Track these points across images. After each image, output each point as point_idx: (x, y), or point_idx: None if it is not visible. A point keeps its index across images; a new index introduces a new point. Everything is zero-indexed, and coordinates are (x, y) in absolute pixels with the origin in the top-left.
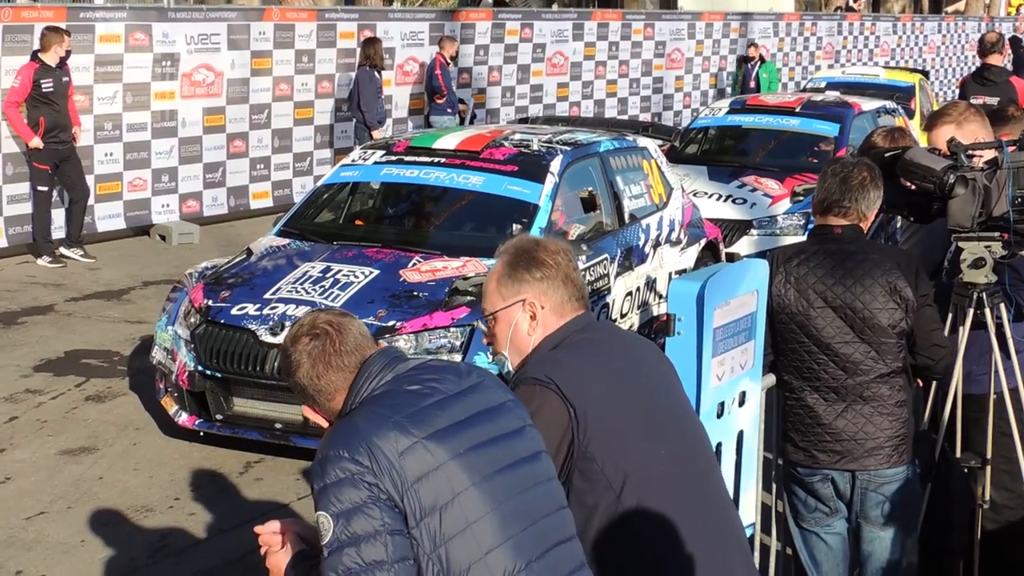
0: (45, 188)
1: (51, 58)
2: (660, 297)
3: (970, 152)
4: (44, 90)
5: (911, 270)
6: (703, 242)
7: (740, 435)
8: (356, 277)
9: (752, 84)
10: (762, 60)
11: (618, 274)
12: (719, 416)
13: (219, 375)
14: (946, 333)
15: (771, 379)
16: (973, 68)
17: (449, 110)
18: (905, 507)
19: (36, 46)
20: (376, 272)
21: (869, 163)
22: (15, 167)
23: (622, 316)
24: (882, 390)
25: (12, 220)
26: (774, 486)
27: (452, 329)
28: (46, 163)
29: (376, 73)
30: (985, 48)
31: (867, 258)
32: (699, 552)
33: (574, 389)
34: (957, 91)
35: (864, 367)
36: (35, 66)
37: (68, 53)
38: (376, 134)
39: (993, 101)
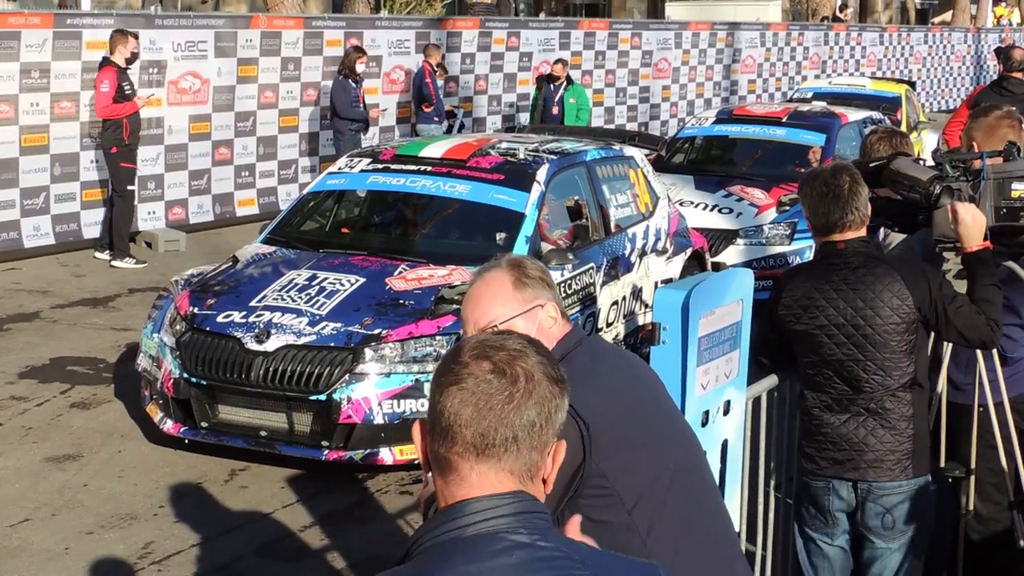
0: (133, 187)
1: (120, 60)
2: (646, 306)
3: (955, 162)
4: (127, 92)
5: (913, 278)
6: (689, 251)
7: (724, 444)
8: (342, 285)
9: (555, 110)
10: (569, 81)
11: (604, 283)
12: (704, 425)
13: (204, 382)
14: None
15: (756, 389)
16: (959, 78)
17: (436, 119)
18: (908, 522)
19: (23, 53)
20: (362, 280)
21: (842, 164)
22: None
23: (608, 325)
24: (887, 404)
25: None
26: (760, 493)
27: (438, 337)
28: (133, 162)
29: (351, 82)
30: (1012, 64)
31: (870, 272)
32: (707, 559)
33: (586, 409)
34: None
35: (870, 385)
36: (114, 70)
37: (135, 55)
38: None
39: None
